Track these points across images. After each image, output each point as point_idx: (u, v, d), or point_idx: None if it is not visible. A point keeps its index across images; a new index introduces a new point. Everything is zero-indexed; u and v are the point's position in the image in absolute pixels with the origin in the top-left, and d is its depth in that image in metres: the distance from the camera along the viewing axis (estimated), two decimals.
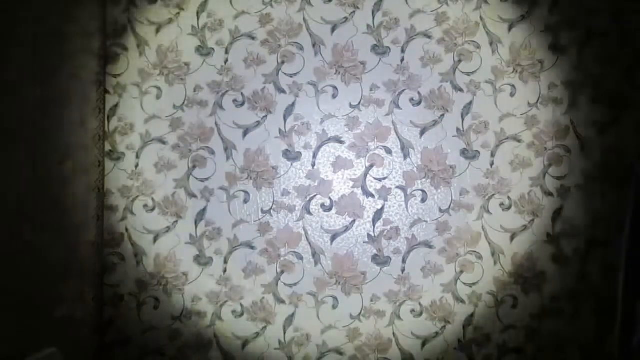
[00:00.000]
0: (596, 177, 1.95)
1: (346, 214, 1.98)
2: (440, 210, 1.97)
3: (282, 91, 2.00)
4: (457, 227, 1.97)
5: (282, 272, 1.99)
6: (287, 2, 2.00)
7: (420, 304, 1.97)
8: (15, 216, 1.50)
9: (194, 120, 2.00)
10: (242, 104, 2.00)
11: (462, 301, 1.97)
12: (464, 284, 1.97)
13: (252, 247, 1.99)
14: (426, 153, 1.98)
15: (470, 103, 1.98)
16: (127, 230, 2.00)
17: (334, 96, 1.99)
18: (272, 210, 1.99)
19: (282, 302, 1.99)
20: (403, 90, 1.99)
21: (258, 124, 2.00)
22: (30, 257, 1.57)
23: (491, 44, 1.98)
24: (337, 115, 1.99)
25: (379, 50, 1.99)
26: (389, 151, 1.98)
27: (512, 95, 1.97)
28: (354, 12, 1.99)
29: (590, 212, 1.95)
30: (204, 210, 2.00)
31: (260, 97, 2.00)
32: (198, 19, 2.01)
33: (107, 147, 2.01)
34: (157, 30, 2.01)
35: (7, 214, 1.47)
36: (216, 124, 2.00)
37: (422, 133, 1.98)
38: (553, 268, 1.96)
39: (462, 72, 1.98)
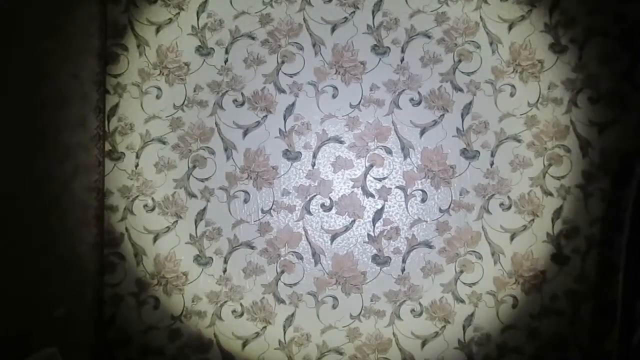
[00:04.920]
0: (596, 177, 1.95)
1: (346, 214, 1.98)
2: (440, 210, 1.97)
3: (282, 91, 2.00)
4: (457, 227, 1.97)
5: (282, 272, 1.99)
6: (287, 2, 2.00)
7: (420, 304, 1.97)
8: (15, 216, 1.50)
9: (194, 120, 2.00)
10: (242, 104, 2.00)
11: (462, 301, 1.97)
12: (464, 284, 1.97)
13: (252, 247, 1.99)
14: (426, 153, 1.98)
15: (470, 103, 1.98)
16: (127, 230, 2.00)
17: (334, 96, 1.99)
18: (272, 210, 1.99)
19: (282, 302, 1.99)
20: (403, 90, 1.99)
21: (258, 124, 2.00)
22: (30, 257, 1.57)
23: (491, 44, 1.98)
24: (337, 115, 1.99)
25: (379, 50, 1.99)
26: (389, 151, 1.98)
27: (512, 95, 1.97)
28: (354, 12, 1.99)
29: (590, 212, 1.95)
30: (204, 210, 2.00)
31: (260, 97, 2.00)
32: (198, 19, 2.01)
33: (107, 147, 2.01)
34: (157, 30, 2.01)
35: (7, 214, 1.47)
36: (216, 124, 2.00)
37: (422, 133, 1.98)
38: (553, 268, 1.96)
39: (462, 72, 1.98)
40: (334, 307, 1.98)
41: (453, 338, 1.97)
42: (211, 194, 2.00)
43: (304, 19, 2.00)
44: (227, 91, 2.00)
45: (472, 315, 1.97)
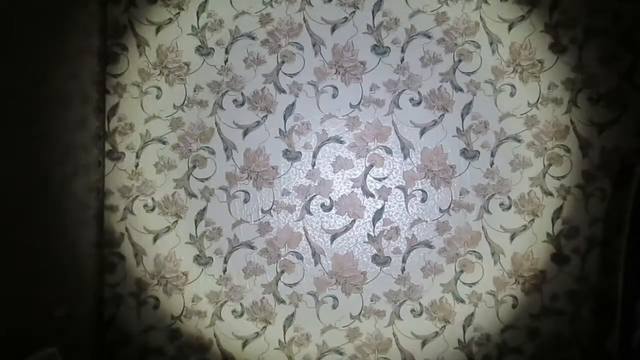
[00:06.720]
0: (596, 177, 1.95)
1: (346, 213, 1.98)
2: (440, 210, 1.97)
3: (282, 91, 2.00)
4: (457, 227, 1.97)
5: (282, 272, 1.99)
6: (287, 2, 2.00)
7: (420, 303, 1.97)
8: (15, 216, 1.50)
9: (194, 120, 2.00)
10: (242, 104, 2.00)
11: (462, 301, 1.97)
12: (464, 283, 1.97)
13: (252, 247, 1.99)
14: (426, 153, 1.98)
15: (470, 103, 1.98)
16: (127, 230, 2.00)
17: (334, 96, 1.99)
18: (272, 210, 1.99)
19: (282, 302, 1.99)
20: (403, 90, 1.99)
21: (258, 124, 2.00)
22: (30, 257, 1.57)
23: (491, 44, 1.98)
24: (337, 115, 1.99)
25: (379, 50, 1.99)
26: (389, 151, 1.98)
27: (512, 95, 1.97)
28: (354, 12, 1.99)
29: (590, 212, 1.95)
30: (204, 210, 2.00)
31: (260, 97, 2.00)
32: (198, 19, 2.01)
33: (107, 147, 2.01)
34: (157, 30, 2.01)
35: (7, 214, 1.47)
36: (216, 124, 2.00)
37: (422, 133, 1.98)
38: (553, 268, 1.96)
39: (462, 72, 1.98)
40: (334, 307, 1.98)
41: (453, 338, 1.97)
42: (211, 194, 2.00)
43: (304, 19, 2.00)
44: (227, 91, 2.00)
45: (472, 315, 1.97)
